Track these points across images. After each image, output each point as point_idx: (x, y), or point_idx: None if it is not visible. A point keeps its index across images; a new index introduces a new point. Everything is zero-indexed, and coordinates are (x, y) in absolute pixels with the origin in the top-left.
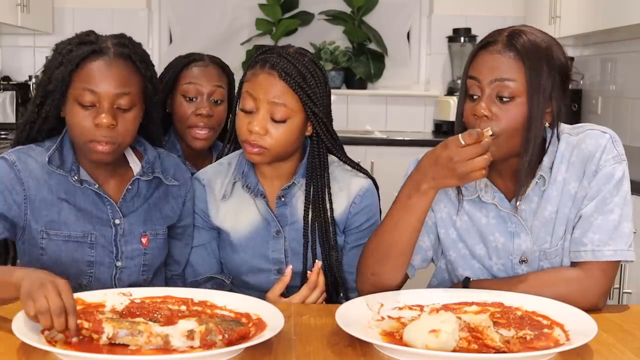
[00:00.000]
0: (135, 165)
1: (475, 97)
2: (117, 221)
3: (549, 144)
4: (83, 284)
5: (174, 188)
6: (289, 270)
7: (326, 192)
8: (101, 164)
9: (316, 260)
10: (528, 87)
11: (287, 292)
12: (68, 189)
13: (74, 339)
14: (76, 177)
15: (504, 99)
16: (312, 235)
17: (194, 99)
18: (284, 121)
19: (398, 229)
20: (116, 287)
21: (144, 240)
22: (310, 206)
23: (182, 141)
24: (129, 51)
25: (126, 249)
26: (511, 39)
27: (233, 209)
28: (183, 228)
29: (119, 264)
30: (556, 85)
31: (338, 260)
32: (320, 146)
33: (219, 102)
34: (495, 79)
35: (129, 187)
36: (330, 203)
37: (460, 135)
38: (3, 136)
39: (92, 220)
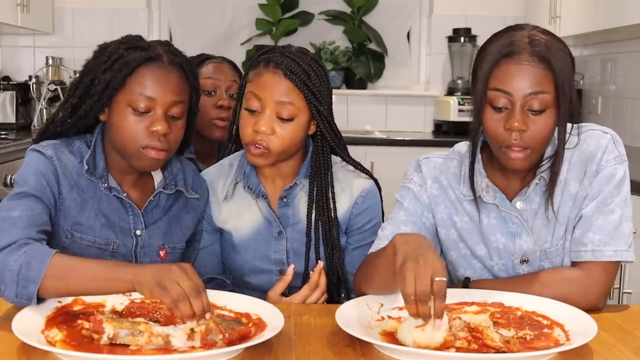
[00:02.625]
0: (157, 174)
1: (502, 108)
2: (138, 232)
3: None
4: None
5: (194, 200)
6: (290, 270)
7: (330, 191)
8: (129, 172)
9: (319, 261)
10: (559, 97)
11: (289, 292)
12: (95, 195)
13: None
14: (106, 184)
15: (536, 111)
16: (316, 235)
17: (213, 93)
18: (290, 119)
19: (380, 270)
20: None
21: (162, 253)
22: (314, 205)
23: (196, 140)
24: (180, 60)
25: (144, 261)
26: (534, 46)
27: (235, 209)
28: (194, 235)
29: None
30: (574, 88)
31: (341, 260)
32: (324, 145)
33: (234, 96)
34: (529, 93)
35: (152, 199)
36: (334, 202)
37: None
38: (3, 136)
39: (115, 229)
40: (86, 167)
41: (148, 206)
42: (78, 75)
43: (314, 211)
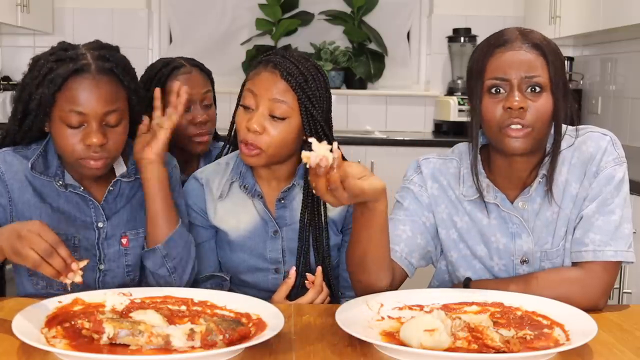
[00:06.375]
0: (120, 167)
1: (500, 91)
2: (100, 224)
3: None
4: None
5: None
6: (292, 273)
7: (321, 199)
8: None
9: (318, 267)
10: (552, 82)
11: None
12: (51, 193)
13: (76, 278)
14: (61, 182)
15: (535, 90)
16: (308, 238)
17: (187, 110)
18: (282, 119)
19: (361, 241)
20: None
21: (123, 240)
22: (307, 210)
23: (177, 152)
24: (110, 65)
25: (108, 252)
26: (525, 36)
27: (230, 208)
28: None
29: (101, 267)
30: (567, 85)
31: (331, 265)
32: None
33: (209, 105)
34: (525, 77)
35: (110, 188)
36: (325, 207)
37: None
38: None
39: (75, 224)
40: (30, 166)
41: (108, 196)
42: (17, 89)
43: (306, 215)
